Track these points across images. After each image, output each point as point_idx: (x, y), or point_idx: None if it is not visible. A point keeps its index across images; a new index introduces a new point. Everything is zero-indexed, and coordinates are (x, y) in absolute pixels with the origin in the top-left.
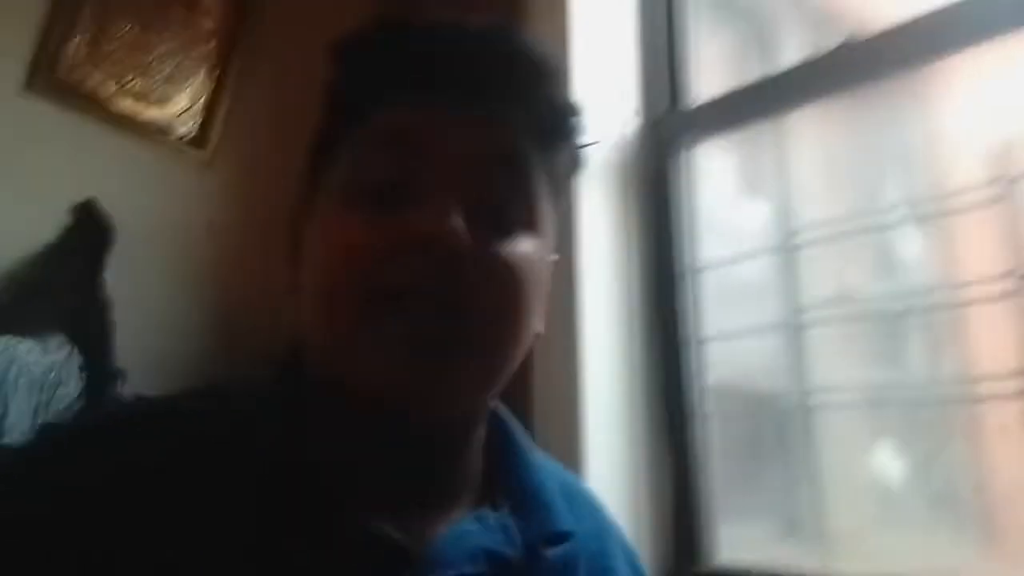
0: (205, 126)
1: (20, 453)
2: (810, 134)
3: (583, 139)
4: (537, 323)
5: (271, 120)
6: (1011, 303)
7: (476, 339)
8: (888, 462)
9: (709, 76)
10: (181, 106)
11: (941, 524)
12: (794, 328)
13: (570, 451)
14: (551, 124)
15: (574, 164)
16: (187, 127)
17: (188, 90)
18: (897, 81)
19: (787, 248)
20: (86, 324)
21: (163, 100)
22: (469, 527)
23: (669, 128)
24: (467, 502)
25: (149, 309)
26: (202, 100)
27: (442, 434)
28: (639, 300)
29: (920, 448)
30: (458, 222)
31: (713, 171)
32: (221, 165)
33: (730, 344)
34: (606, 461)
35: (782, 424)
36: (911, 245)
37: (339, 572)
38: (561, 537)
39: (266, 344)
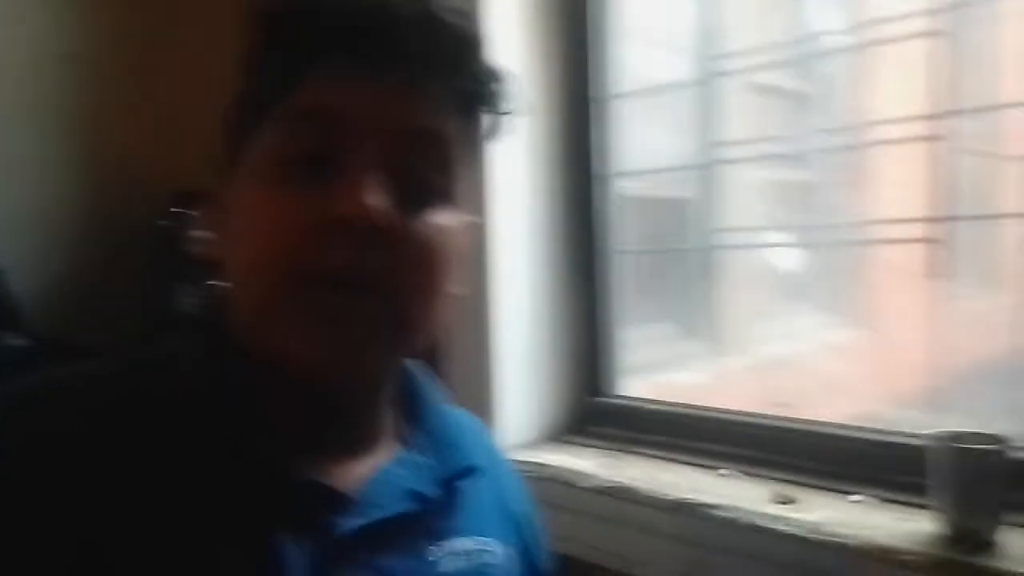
0: None
1: None
2: None
3: (504, 105)
4: (456, 287)
5: None
6: (923, 146)
7: (397, 316)
8: (783, 264)
9: None
10: None
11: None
12: (708, 166)
13: (476, 286)
14: (474, 92)
15: (495, 129)
16: None
17: None
18: None
19: (709, 74)
20: None
21: None
22: (392, 470)
23: None
24: (385, 447)
25: (9, 159)
26: None
27: (361, 394)
28: (554, 131)
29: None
30: (379, 200)
31: None
32: None
33: (651, 174)
34: (515, 299)
35: (685, 228)
36: (830, 81)
37: (277, 523)
38: (470, 471)
39: (143, 190)
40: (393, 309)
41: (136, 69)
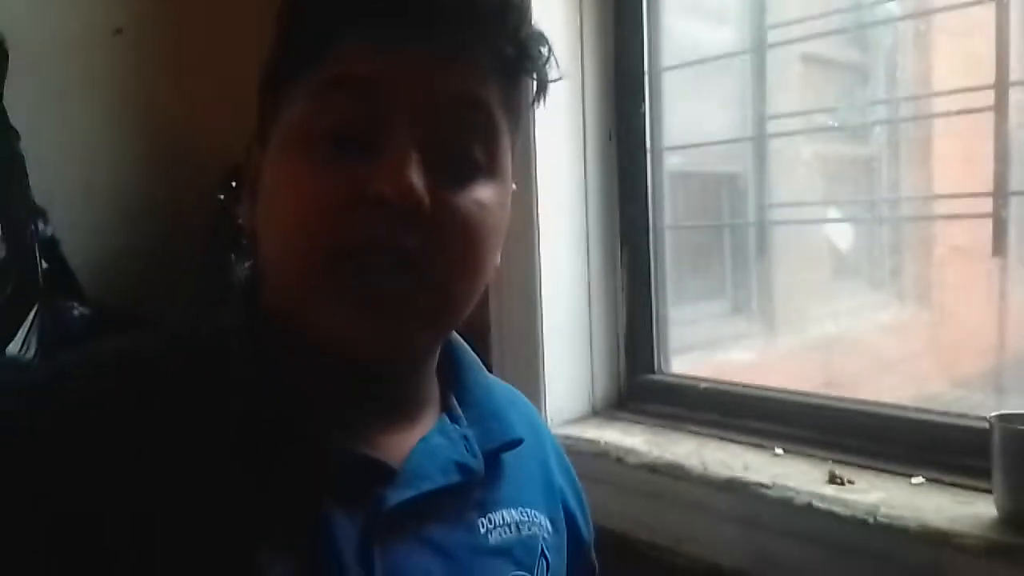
0: None
1: None
2: None
3: (547, 70)
4: (495, 260)
5: None
6: (985, 118)
7: (435, 294)
8: (837, 242)
9: None
10: None
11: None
12: (763, 132)
13: (525, 262)
14: (515, 58)
15: (538, 96)
16: None
17: None
18: None
19: (757, 51)
20: None
21: None
22: (436, 441)
23: None
24: (428, 418)
25: (63, 135)
26: None
27: (401, 368)
28: (597, 105)
29: (867, 231)
30: (416, 177)
31: None
32: None
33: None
34: (560, 271)
35: (735, 205)
36: (886, 51)
37: (325, 496)
38: (514, 444)
39: (199, 163)
40: (432, 286)
41: (188, 42)
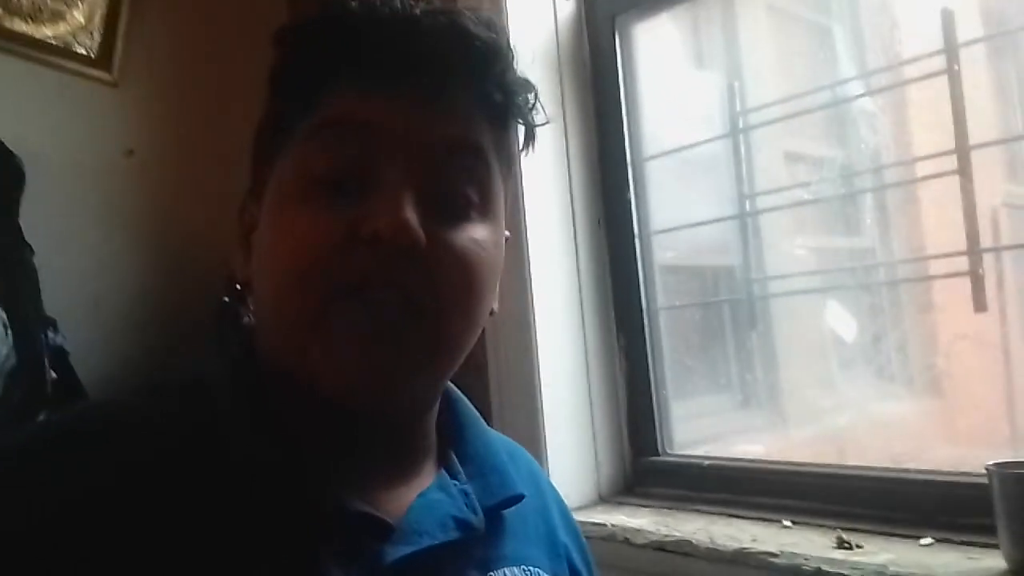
0: (106, 44)
1: None
2: (756, 7)
3: (534, 116)
4: (492, 302)
5: (174, 34)
6: (957, 180)
7: (432, 331)
8: (841, 334)
9: None
10: (77, 22)
11: (887, 387)
12: (746, 210)
13: (520, 353)
14: (503, 104)
15: (526, 141)
16: (86, 45)
17: (83, 5)
18: None
19: (738, 128)
20: (7, 276)
21: (56, 17)
22: (435, 496)
23: (604, 5)
24: (427, 472)
25: (74, 249)
26: (99, 15)
27: (400, 416)
28: (586, 192)
29: (872, 321)
30: (411, 215)
31: (657, 50)
32: (129, 85)
33: (684, 230)
34: (558, 360)
35: (735, 304)
36: (862, 118)
37: (322, 551)
38: (516, 499)
39: (204, 275)
40: (430, 323)
41: (194, 161)
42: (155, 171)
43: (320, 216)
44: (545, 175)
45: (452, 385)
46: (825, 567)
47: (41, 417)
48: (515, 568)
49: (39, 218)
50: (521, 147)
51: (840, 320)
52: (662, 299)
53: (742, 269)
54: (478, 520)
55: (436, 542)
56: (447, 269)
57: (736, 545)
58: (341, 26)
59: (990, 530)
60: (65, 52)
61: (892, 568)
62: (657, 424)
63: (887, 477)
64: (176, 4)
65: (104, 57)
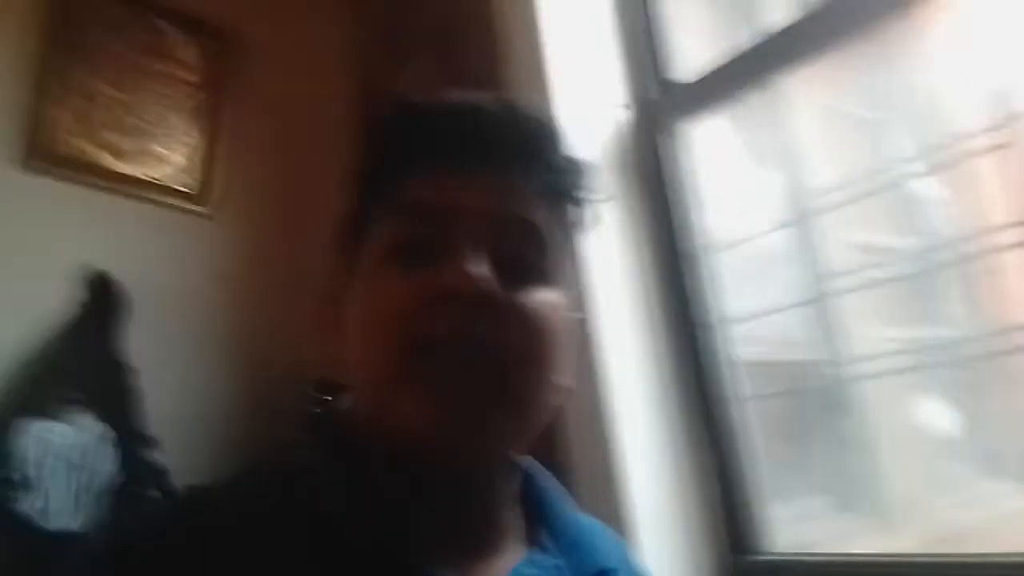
0: (204, 180)
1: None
2: (807, 96)
3: (590, 195)
4: (567, 377)
5: (265, 166)
6: None
7: (509, 384)
8: (936, 422)
9: (696, 49)
10: (176, 163)
11: (996, 478)
12: (820, 297)
13: (604, 453)
14: (558, 183)
15: (582, 219)
16: (186, 184)
17: (181, 147)
18: (886, 30)
19: (802, 215)
20: (113, 397)
21: (157, 159)
22: (526, 571)
23: (660, 110)
24: (515, 549)
25: (173, 372)
26: (196, 155)
27: (482, 480)
28: (655, 287)
29: (966, 404)
30: (482, 269)
31: (714, 146)
32: (225, 218)
33: (759, 321)
34: (643, 458)
35: (822, 396)
36: (928, 198)
37: None
38: (605, 573)
39: (295, 393)
40: (505, 381)
41: (279, 282)
42: (245, 295)
43: (405, 277)
44: (615, 273)
45: (538, 464)
46: None
47: None
48: None
49: (140, 342)
50: (576, 225)
51: (934, 407)
52: (747, 391)
53: (826, 357)
54: None
55: None
56: (521, 323)
57: None
58: (418, 119)
59: None
60: (168, 191)
61: None
62: (755, 521)
63: (1000, 563)
64: (265, 143)
65: (203, 193)
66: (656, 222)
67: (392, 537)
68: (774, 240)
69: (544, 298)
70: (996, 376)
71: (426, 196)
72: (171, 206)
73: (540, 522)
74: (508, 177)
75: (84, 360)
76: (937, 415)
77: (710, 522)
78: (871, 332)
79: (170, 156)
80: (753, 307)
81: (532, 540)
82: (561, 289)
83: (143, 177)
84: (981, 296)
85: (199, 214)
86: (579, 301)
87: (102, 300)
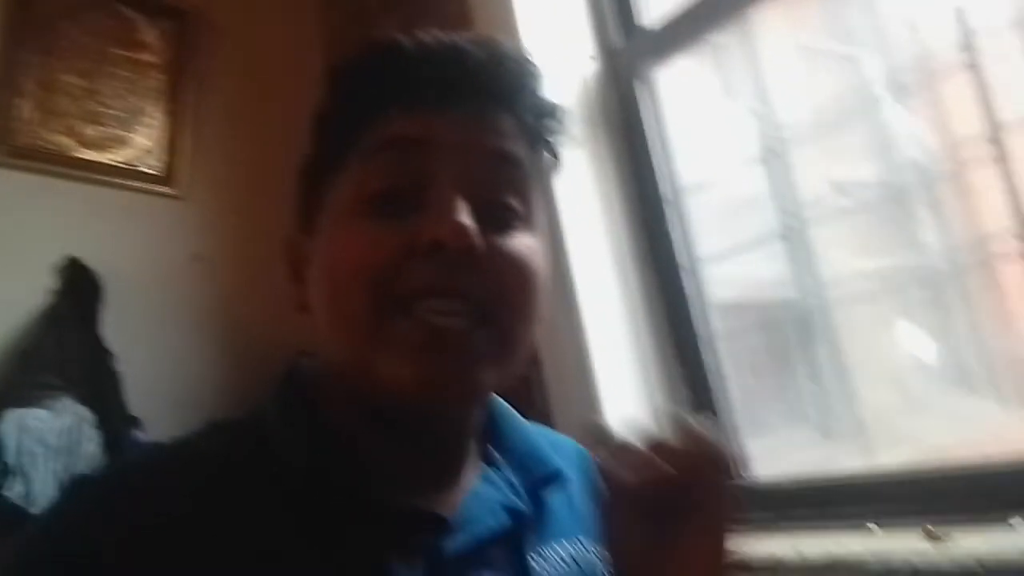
0: (170, 162)
1: (54, 515)
2: (776, 33)
3: (564, 136)
4: (544, 318)
5: (233, 144)
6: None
7: (497, 334)
8: (911, 343)
9: None
10: (142, 146)
11: (973, 393)
12: (793, 231)
13: (584, 390)
14: (537, 124)
15: (556, 162)
16: (152, 166)
17: (145, 129)
18: None
19: (774, 151)
20: (93, 381)
21: (122, 143)
22: (483, 490)
23: (627, 58)
24: (472, 469)
25: (152, 353)
26: (161, 137)
27: (456, 419)
28: (629, 232)
29: (940, 321)
30: (467, 218)
31: (685, 88)
32: (194, 198)
33: (736, 260)
34: (622, 400)
35: (798, 329)
36: (897, 127)
37: (384, 549)
38: (554, 476)
39: (272, 367)
40: (492, 326)
41: (254, 261)
42: (220, 274)
43: (379, 230)
44: (590, 219)
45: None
46: (915, 560)
47: None
48: (565, 542)
49: (119, 326)
50: (552, 167)
51: (909, 330)
52: (723, 329)
53: (801, 290)
54: (526, 504)
55: (491, 531)
56: (505, 274)
57: (826, 556)
58: (391, 58)
59: None
60: (133, 174)
61: (982, 549)
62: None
63: (970, 468)
64: (233, 121)
65: (169, 174)
66: (628, 168)
67: (357, 475)
68: (748, 179)
69: (524, 243)
70: (970, 292)
71: (403, 134)
72: (139, 189)
73: (495, 441)
74: (488, 114)
75: (63, 347)
76: (912, 338)
77: None
78: (844, 262)
79: (136, 139)
80: (727, 246)
81: (488, 459)
82: (539, 232)
83: (109, 162)
84: (951, 217)
85: (168, 196)
86: (555, 244)
87: (78, 287)
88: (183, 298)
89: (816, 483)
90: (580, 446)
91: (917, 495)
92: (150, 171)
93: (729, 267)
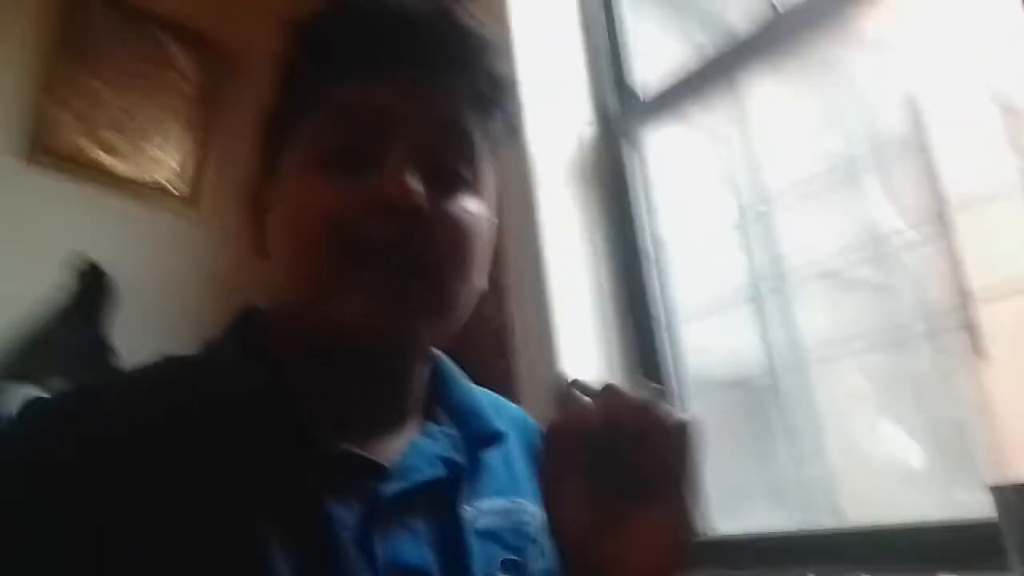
0: (196, 184)
1: (11, 427)
2: (758, 104)
3: (513, 109)
4: (484, 272)
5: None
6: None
7: (434, 287)
8: (892, 421)
9: (656, 63)
10: (171, 167)
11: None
12: (770, 293)
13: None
14: (489, 92)
15: (508, 131)
16: (179, 186)
17: (176, 151)
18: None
19: (755, 215)
20: (98, 371)
21: (154, 162)
22: (423, 441)
23: (621, 122)
24: (415, 425)
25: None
26: (191, 159)
27: (399, 369)
28: (609, 285)
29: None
30: (416, 183)
31: (674, 151)
32: (215, 221)
33: (710, 325)
34: None
35: (774, 398)
36: (873, 198)
37: (324, 489)
38: (494, 436)
39: None
40: (433, 282)
41: (265, 287)
42: (232, 296)
43: (335, 186)
44: (574, 267)
45: (440, 352)
46: None
47: None
48: (499, 499)
49: (128, 335)
50: (505, 136)
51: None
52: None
53: (771, 355)
54: (462, 458)
55: (427, 478)
56: (447, 234)
57: None
58: (348, 20)
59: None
60: (161, 192)
61: None
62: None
63: (904, 526)
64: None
65: (193, 196)
66: (615, 225)
67: (301, 416)
68: (727, 241)
69: (469, 208)
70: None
71: (357, 103)
72: (164, 206)
73: (439, 401)
74: (441, 84)
75: (71, 345)
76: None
77: None
78: (819, 327)
79: (165, 160)
80: (702, 305)
81: (431, 417)
82: (485, 199)
83: (138, 178)
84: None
85: (191, 216)
86: (498, 208)
87: (93, 289)
88: (193, 315)
89: (765, 538)
90: (525, 415)
91: (858, 553)
92: (176, 191)
93: (704, 327)
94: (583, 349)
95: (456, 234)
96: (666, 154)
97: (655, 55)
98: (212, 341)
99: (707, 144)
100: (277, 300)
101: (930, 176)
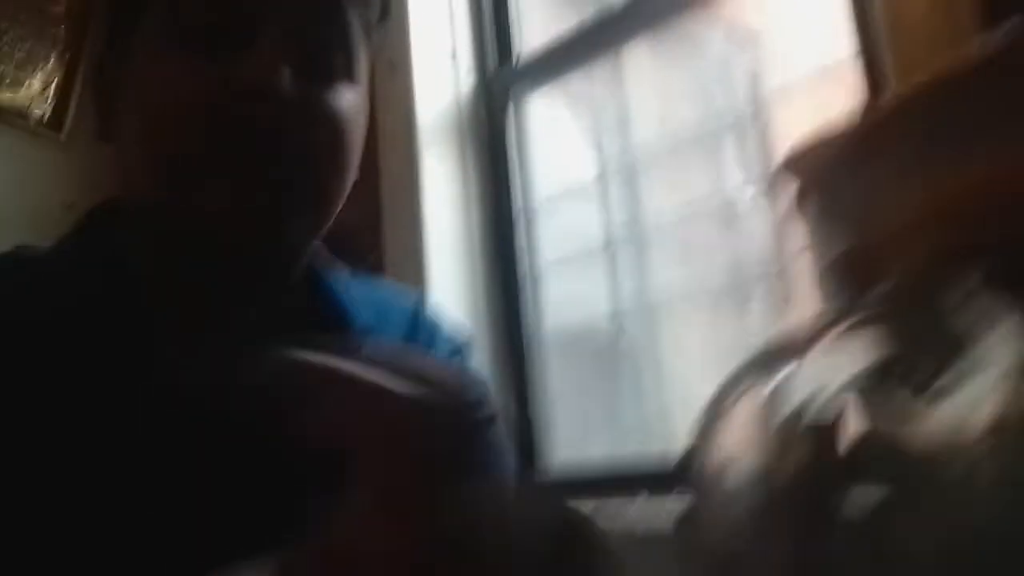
0: (59, 109)
1: None
2: (633, 73)
3: None
4: (355, 171)
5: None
6: None
7: (308, 181)
8: (725, 367)
9: (537, 27)
10: (34, 89)
11: None
12: (630, 247)
13: None
14: None
15: (383, 13)
16: (41, 110)
17: (40, 74)
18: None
19: (622, 175)
20: None
21: (15, 84)
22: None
23: (501, 83)
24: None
25: None
26: (54, 83)
27: (272, 267)
28: (480, 242)
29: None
30: (285, 73)
31: (549, 117)
32: (77, 147)
33: (570, 277)
34: None
35: (622, 346)
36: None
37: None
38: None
39: None
40: (305, 173)
41: None
42: None
43: (195, 71)
44: (449, 219)
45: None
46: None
47: None
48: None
49: None
50: (379, 18)
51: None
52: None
53: (622, 303)
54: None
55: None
56: (319, 125)
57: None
58: None
59: None
60: (20, 116)
61: None
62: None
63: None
64: None
65: (56, 121)
66: (487, 185)
67: (149, 323)
68: (595, 200)
69: (343, 97)
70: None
71: None
72: (25, 130)
73: (318, 295)
74: None
75: None
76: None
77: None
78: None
79: (27, 81)
80: (565, 259)
81: (314, 314)
82: (360, 86)
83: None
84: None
85: (53, 141)
86: (371, 99)
87: None
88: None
89: (606, 465)
90: (416, 305)
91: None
92: (39, 115)
93: (564, 279)
94: (450, 294)
95: (330, 127)
96: (542, 116)
97: (539, 21)
98: (62, 237)
99: (581, 109)
100: (128, 192)
101: (770, 146)
